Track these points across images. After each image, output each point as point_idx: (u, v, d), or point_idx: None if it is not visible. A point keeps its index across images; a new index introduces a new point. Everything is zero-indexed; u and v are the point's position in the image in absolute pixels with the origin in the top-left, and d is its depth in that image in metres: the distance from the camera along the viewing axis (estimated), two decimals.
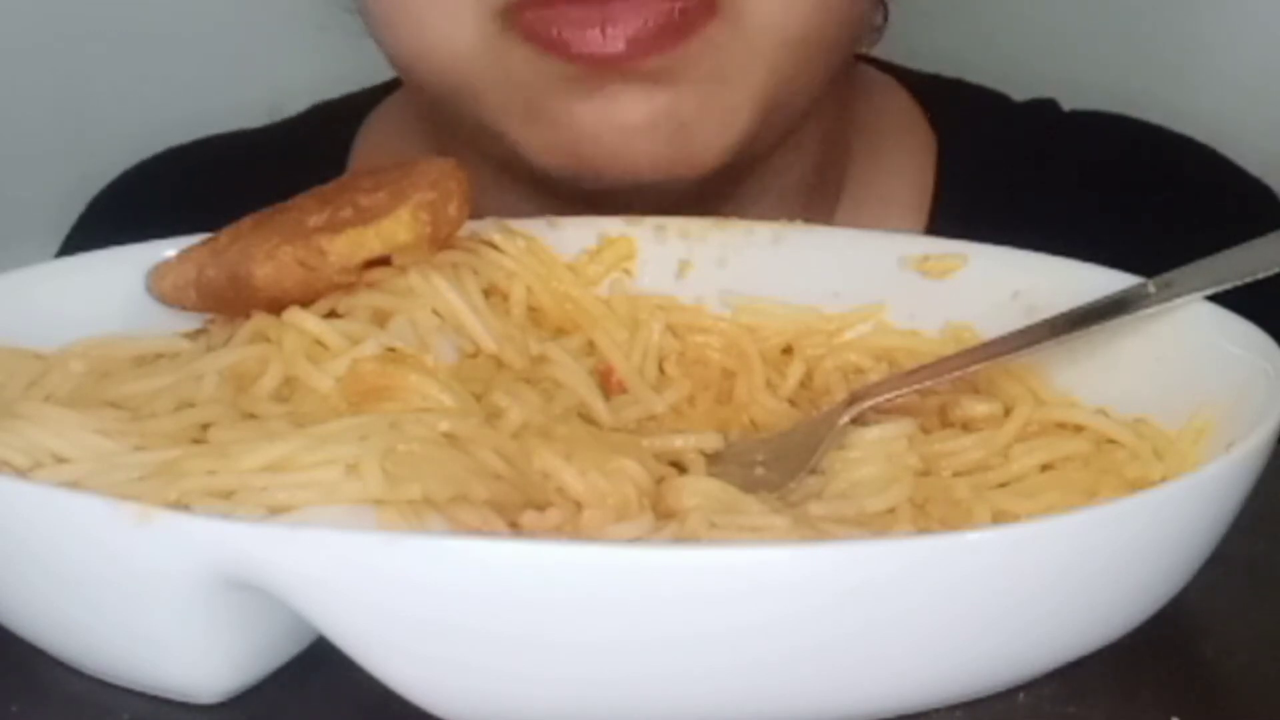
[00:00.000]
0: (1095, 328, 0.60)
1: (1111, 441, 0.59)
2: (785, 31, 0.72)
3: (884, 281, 0.66)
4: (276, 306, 0.60)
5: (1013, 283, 0.64)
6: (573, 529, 0.53)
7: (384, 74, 0.85)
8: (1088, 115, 0.87)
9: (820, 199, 0.82)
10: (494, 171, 0.78)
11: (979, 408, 0.61)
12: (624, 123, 0.71)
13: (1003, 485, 0.58)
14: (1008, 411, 0.61)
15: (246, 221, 0.63)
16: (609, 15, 0.69)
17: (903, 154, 0.84)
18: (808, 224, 0.69)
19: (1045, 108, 0.88)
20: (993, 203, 0.81)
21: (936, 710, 0.49)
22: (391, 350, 0.58)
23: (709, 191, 0.74)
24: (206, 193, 0.86)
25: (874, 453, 0.59)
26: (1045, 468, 0.59)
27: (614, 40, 0.69)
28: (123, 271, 0.63)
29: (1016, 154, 0.84)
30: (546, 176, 0.74)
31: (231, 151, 0.93)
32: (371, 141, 0.89)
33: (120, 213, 0.92)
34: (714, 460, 0.59)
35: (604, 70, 0.70)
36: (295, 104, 0.95)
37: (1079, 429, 0.60)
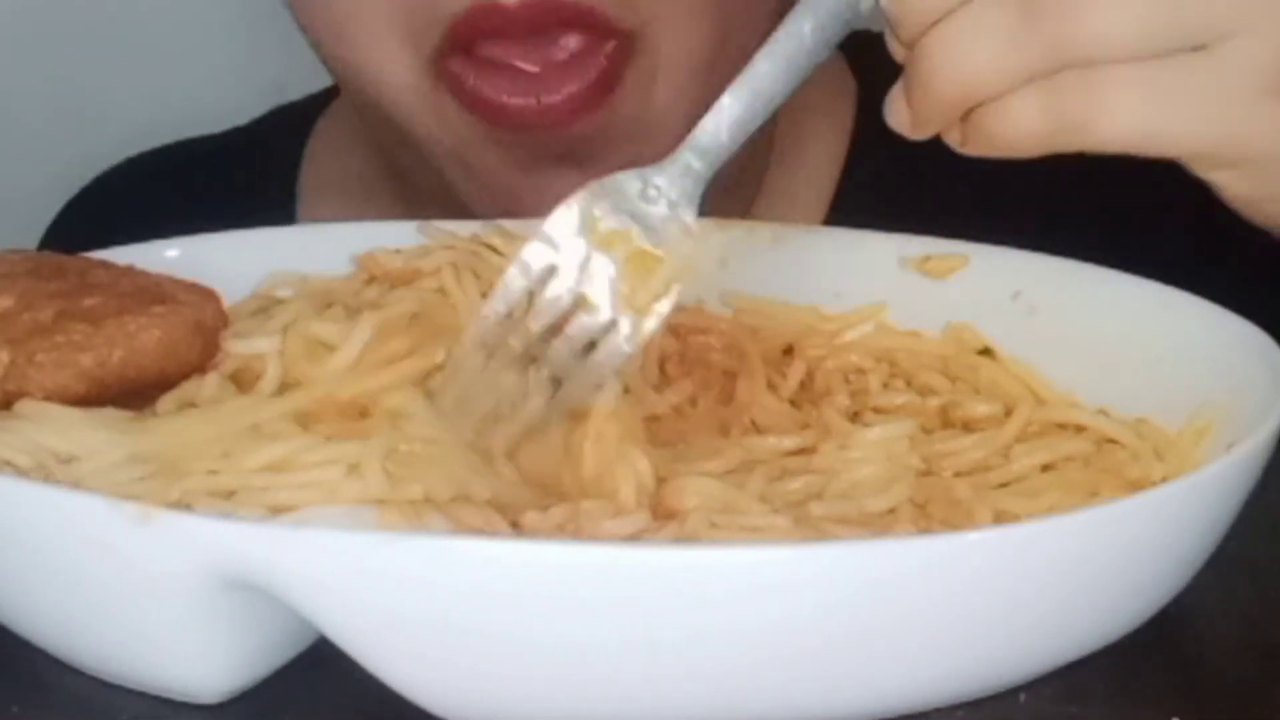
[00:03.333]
0: None
1: (1112, 442, 0.59)
2: (692, 59, 0.72)
3: (884, 281, 0.66)
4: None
5: (1013, 283, 0.64)
6: (574, 528, 0.53)
7: None
8: None
9: (752, 164, 0.83)
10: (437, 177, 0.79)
11: (980, 408, 0.61)
12: (559, 195, 0.72)
13: (1003, 485, 0.58)
14: (1008, 412, 0.61)
15: None
16: (545, 85, 0.70)
17: (823, 102, 0.85)
18: (808, 226, 0.69)
19: None
20: (906, 142, 0.83)
21: (937, 710, 0.49)
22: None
23: None
24: (171, 200, 0.87)
25: (875, 453, 0.59)
26: (1046, 468, 0.59)
27: (548, 109, 0.70)
28: None
29: None
30: None
31: (193, 157, 0.93)
32: (319, 149, 0.89)
33: (89, 222, 0.92)
34: None
35: (533, 134, 0.71)
36: (293, 99, 0.95)
37: (1080, 429, 0.60)
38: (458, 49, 0.71)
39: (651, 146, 0.72)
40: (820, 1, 0.56)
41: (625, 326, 0.57)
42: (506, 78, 0.70)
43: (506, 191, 0.72)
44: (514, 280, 0.57)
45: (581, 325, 0.57)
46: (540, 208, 0.71)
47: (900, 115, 0.56)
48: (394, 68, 0.73)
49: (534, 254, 0.57)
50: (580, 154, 0.72)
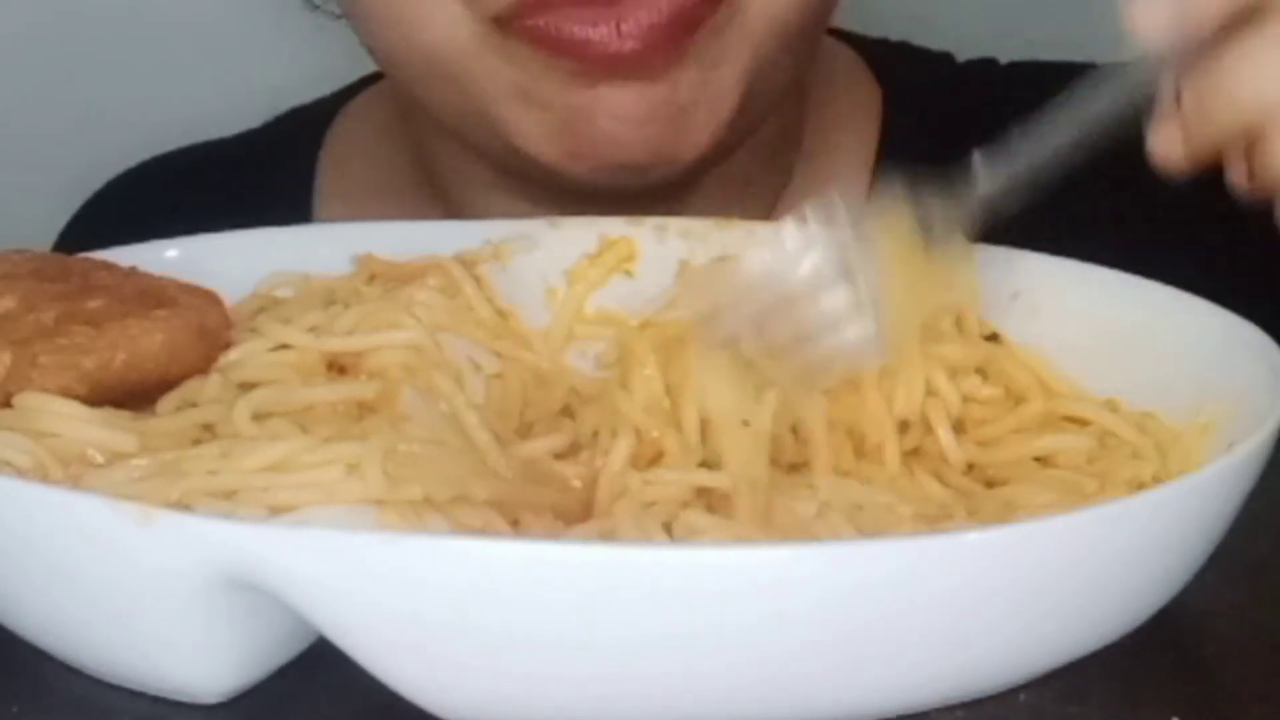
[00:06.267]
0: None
1: (1115, 436, 0.59)
2: (778, 19, 0.72)
3: None
4: None
5: (1013, 283, 0.64)
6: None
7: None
8: (1021, 65, 0.88)
9: (779, 162, 0.83)
10: (484, 171, 0.78)
11: (983, 390, 0.61)
12: (622, 115, 0.71)
13: (1004, 484, 0.58)
14: (1011, 396, 0.61)
15: None
16: (621, 13, 0.69)
17: (850, 108, 0.85)
18: None
19: (985, 64, 0.89)
20: (934, 149, 0.82)
21: (936, 710, 0.49)
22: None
23: (682, 179, 0.75)
24: (186, 204, 0.87)
25: None
26: (1047, 465, 0.59)
27: (628, 38, 0.69)
28: None
29: (956, 106, 0.85)
30: (536, 165, 0.74)
31: (208, 160, 0.93)
32: (337, 152, 0.89)
33: (104, 226, 0.92)
34: None
35: (611, 68, 0.70)
36: (295, 104, 0.95)
37: (1085, 423, 0.60)
38: (537, 7, 0.70)
39: (714, 77, 0.72)
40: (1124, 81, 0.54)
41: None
42: (587, 14, 0.70)
43: (566, 110, 0.71)
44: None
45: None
46: (601, 121, 0.71)
47: (1170, 145, 0.53)
48: (453, 31, 0.72)
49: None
50: (645, 76, 0.71)
